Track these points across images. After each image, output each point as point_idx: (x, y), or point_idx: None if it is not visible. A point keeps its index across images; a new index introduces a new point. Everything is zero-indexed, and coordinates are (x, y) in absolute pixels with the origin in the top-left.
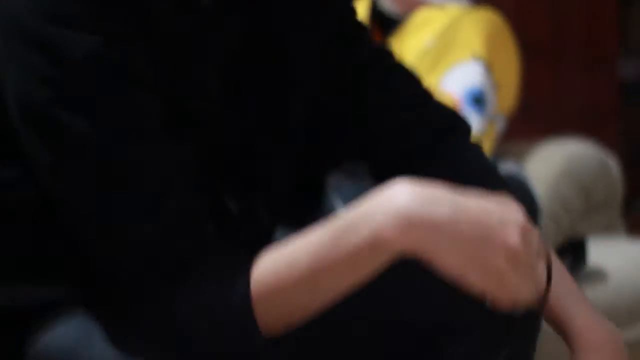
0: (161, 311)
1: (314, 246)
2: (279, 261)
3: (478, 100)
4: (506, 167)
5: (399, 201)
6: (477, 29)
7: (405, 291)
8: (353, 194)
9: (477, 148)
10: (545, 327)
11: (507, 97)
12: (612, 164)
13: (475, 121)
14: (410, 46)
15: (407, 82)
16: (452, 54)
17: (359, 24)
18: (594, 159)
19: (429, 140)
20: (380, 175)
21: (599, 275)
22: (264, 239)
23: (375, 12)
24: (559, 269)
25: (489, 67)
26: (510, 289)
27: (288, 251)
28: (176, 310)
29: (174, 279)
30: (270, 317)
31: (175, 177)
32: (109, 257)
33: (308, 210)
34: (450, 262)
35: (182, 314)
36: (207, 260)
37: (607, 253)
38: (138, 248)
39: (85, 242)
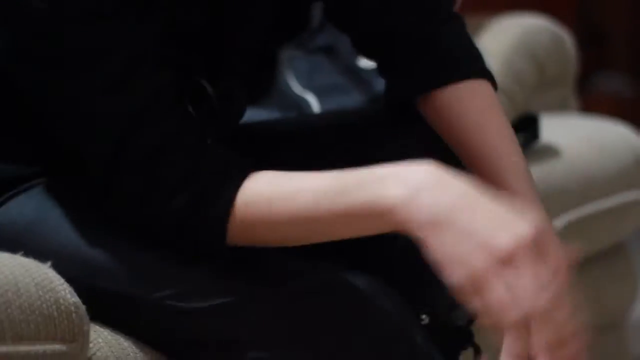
0: (127, 194)
1: (318, 192)
2: (276, 192)
3: None
4: None
5: (415, 178)
6: None
7: None
8: (304, 68)
9: (463, 33)
10: None
11: None
12: (567, 39)
13: None
14: None
15: None
16: None
17: None
18: (548, 33)
19: (414, 18)
20: (362, 49)
21: (551, 152)
22: (237, 120)
23: None
24: (512, 144)
25: None
26: (487, 297)
27: (289, 186)
28: (143, 196)
29: (145, 162)
30: (242, 238)
31: (142, 55)
32: (76, 136)
33: (264, 86)
34: (440, 251)
35: (150, 204)
36: (193, 156)
37: (560, 130)
38: (105, 127)
39: (51, 120)
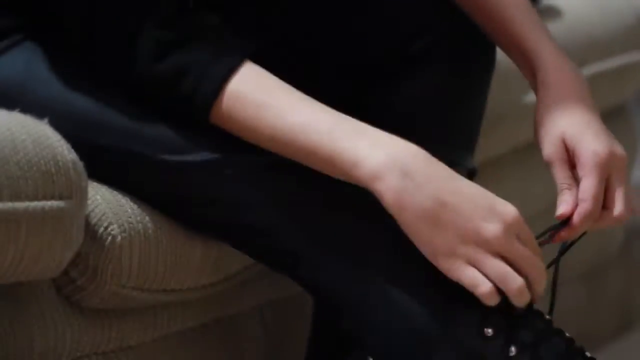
0: (120, 49)
1: (304, 123)
2: (266, 104)
3: None
4: None
5: (403, 152)
6: None
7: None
8: None
9: None
10: None
11: None
12: None
13: None
14: None
15: None
16: None
17: None
18: None
19: None
20: None
21: (552, 13)
22: None
23: None
24: (525, 3)
25: None
26: (470, 278)
27: (280, 104)
28: (137, 55)
29: (143, 16)
30: (223, 124)
31: None
32: None
33: None
34: (423, 240)
35: (142, 62)
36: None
37: None
38: None
39: None
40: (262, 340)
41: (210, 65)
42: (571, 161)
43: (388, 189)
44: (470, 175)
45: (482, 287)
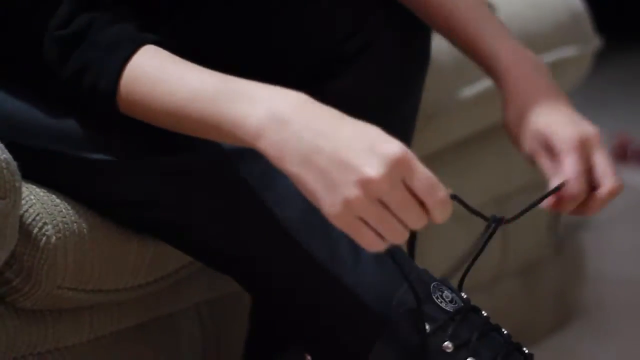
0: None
1: (194, 92)
2: (160, 79)
3: None
4: None
5: (282, 103)
6: None
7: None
8: None
9: None
10: None
11: None
12: None
13: None
14: None
15: None
16: None
17: None
18: None
19: None
20: None
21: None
22: None
23: None
24: (480, 4)
25: None
26: (359, 227)
27: (172, 77)
28: (47, 58)
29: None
30: (131, 112)
31: None
32: None
33: None
34: (307, 186)
35: (53, 64)
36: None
37: None
38: None
39: None
40: (199, 339)
41: (105, 59)
42: (551, 153)
43: (269, 145)
44: None
45: (365, 238)
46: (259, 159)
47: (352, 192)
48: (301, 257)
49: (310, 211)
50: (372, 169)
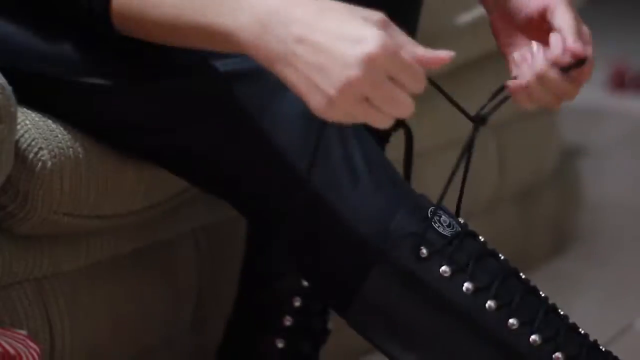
0: None
1: (182, 4)
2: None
3: None
4: None
5: (264, 7)
6: None
7: None
8: None
9: None
10: None
11: None
12: None
13: None
14: None
15: None
16: None
17: None
18: None
19: None
20: None
21: None
22: None
23: None
24: None
25: None
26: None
27: None
28: None
29: None
30: (125, 30)
31: None
32: None
33: None
34: (292, 81)
35: None
36: None
37: None
38: None
39: None
40: (195, 264)
41: None
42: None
43: (259, 53)
44: None
45: (370, 118)
46: (257, 82)
47: (336, 94)
48: (298, 180)
49: (309, 135)
50: (352, 73)
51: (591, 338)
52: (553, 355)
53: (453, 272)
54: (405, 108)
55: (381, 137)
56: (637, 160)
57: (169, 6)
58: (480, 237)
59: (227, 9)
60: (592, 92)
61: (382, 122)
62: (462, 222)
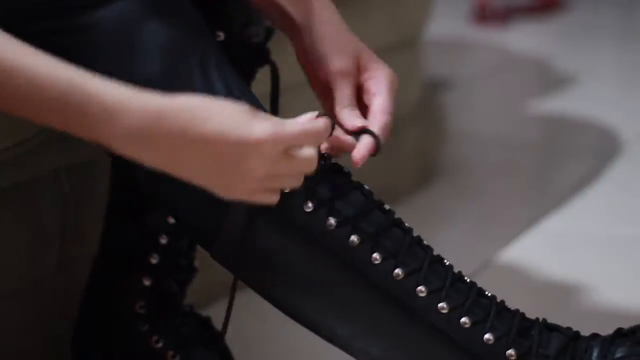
0: None
1: (42, 99)
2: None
3: None
4: None
5: (128, 124)
6: None
7: None
8: None
9: None
10: None
11: None
12: None
13: None
14: None
15: None
16: None
17: None
18: None
19: None
20: None
21: None
22: None
23: None
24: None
25: None
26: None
27: (37, 67)
28: None
29: None
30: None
31: None
32: None
33: None
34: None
35: None
36: None
37: None
38: None
39: None
40: (59, 204)
41: None
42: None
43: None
44: (269, 34)
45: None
46: (115, 13)
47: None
48: None
49: (172, 67)
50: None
51: (455, 270)
52: (417, 288)
53: (316, 207)
54: (309, 164)
55: (247, 73)
56: (499, 92)
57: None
58: (345, 169)
59: (96, 123)
60: (455, 25)
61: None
62: (325, 155)
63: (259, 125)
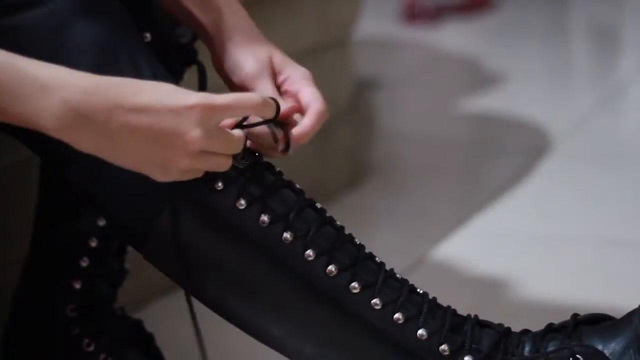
0: None
1: None
2: None
3: None
4: None
5: (63, 97)
6: None
7: None
8: None
9: None
10: None
11: None
12: None
13: None
14: None
15: None
16: None
17: None
18: None
19: None
20: None
21: None
22: None
23: None
24: None
25: None
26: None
27: None
28: None
29: None
30: None
31: None
32: None
33: None
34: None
35: None
36: None
37: None
38: None
39: None
40: None
41: None
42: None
43: (79, 142)
44: (196, 35)
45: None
46: (45, 11)
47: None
48: None
49: (103, 62)
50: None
51: (387, 267)
52: (350, 285)
53: (248, 204)
54: (237, 144)
55: (175, 73)
56: (428, 91)
57: None
58: (276, 168)
59: (31, 99)
60: (385, 24)
61: (219, 166)
62: (257, 154)
63: (193, 95)
